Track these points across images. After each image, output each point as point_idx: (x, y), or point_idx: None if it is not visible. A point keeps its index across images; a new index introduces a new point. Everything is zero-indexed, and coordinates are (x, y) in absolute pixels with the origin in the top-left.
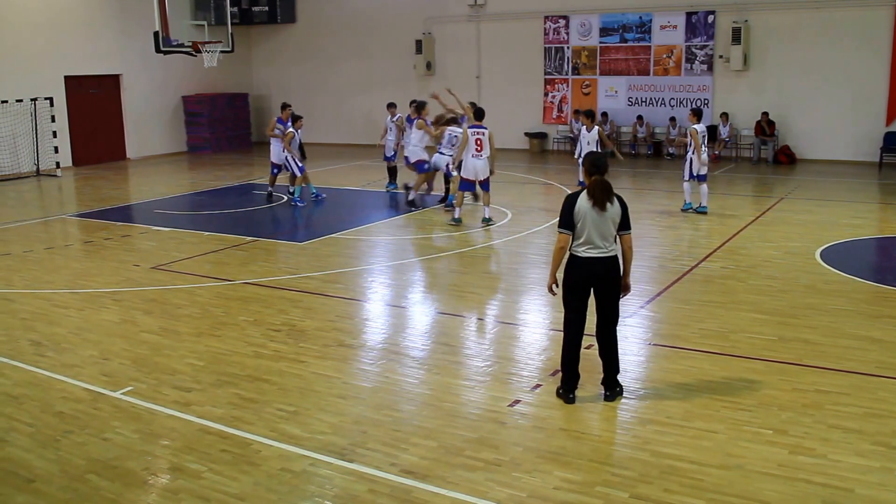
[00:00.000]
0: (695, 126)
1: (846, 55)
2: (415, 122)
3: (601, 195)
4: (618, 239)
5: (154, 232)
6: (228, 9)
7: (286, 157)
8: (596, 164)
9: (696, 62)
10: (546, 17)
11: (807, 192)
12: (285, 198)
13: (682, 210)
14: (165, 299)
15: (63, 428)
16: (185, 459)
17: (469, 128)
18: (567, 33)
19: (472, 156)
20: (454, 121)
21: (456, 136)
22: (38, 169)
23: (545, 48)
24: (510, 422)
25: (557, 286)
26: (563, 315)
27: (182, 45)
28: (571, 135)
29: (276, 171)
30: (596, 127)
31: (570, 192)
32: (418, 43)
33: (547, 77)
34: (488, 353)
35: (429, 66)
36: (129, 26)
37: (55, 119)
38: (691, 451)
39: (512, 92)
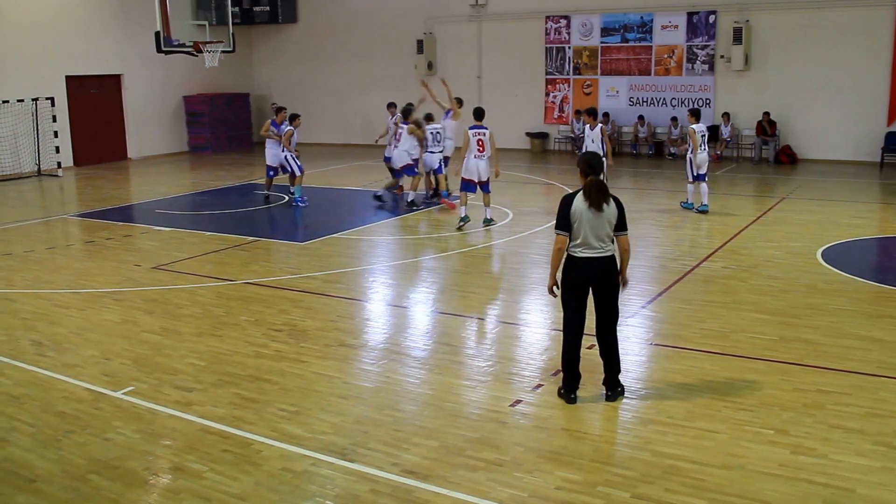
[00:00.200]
0: (692, 126)
1: (847, 55)
2: (406, 126)
3: (597, 195)
4: (615, 239)
5: (155, 232)
6: (229, 9)
7: (286, 157)
8: (591, 165)
9: (698, 62)
10: (547, 17)
11: (808, 191)
12: (286, 198)
13: (681, 205)
14: (167, 299)
15: (64, 428)
16: (187, 459)
17: (469, 128)
18: (568, 33)
19: (475, 156)
20: (430, 117)
21: (438, 132)
22: (39, 169)
23: (546, 48)
24: (511, 422)
25: (558, 287)
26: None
27: (183, 45)
28: (573, 135)
29: (271, 173)
30: (599, 125)
31: (570, 191)
32: (419, 43)
33: (548, 77)
34: (489, 352)
35: (430, 66)
36: (130, 26)
37: (56, 119)
38: (692, 451)
39: (513, 92)
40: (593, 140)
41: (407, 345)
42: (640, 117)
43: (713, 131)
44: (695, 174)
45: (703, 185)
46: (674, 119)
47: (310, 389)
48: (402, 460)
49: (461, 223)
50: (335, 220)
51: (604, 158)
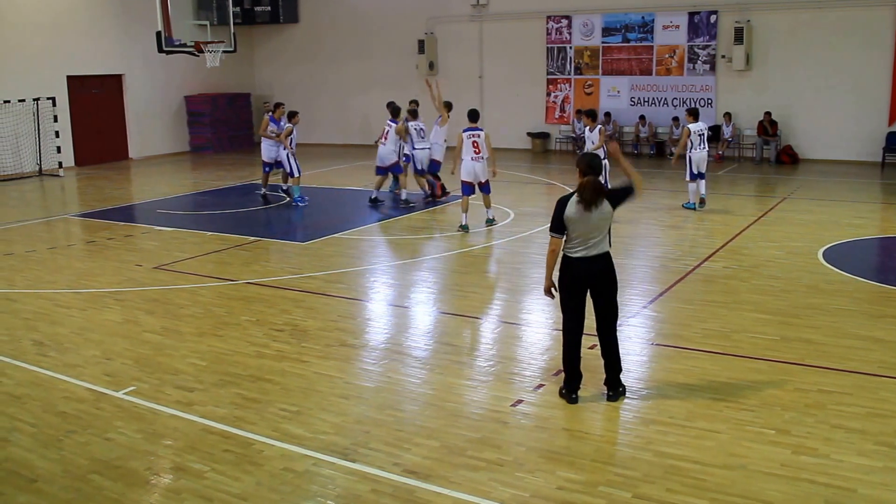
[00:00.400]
0: (689, 125)
1: (849, 55)
2: (395, 125)
3: (591, 196)
4: (610, 234)
5: (156, 232)
6: (231, 9)
7: (286, 155)
8: (590, 165)
9: (699, 62)
10: (548, 17)
11: (809, 191)
12: (287, 198)
13: (684, 206)
14: (168, 299)
15: (65, 428)
16: (188, 459)
17: (463, 130)
18: (569, 33)
19: (472, 158)
20: (413, 114)
21: (421, 129)
22: (40, 169)
23: (548, 48)
24: (513, 422)
25: (556, 288)
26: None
27: (184, 45)
28: (574, 135)
29: (267, 168)
30: (598, 126)
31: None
32: (421, 43)
33: (549, 77)
34: (491, 352)
35: (431, 66)
36: (131, 26)
37: (58, 119)
38: (694, 451)
39: (514, 92)
40: (593, 142)
41: (408, 345)
42: (642, 117)
43: (715, 131)
44: (694, 172)
45: (702, 182)
46: (675, 119)
47: (311, 389)
48: (404, 460)
49: (460, 229)
50: (336, 220)
51: (604, 161)
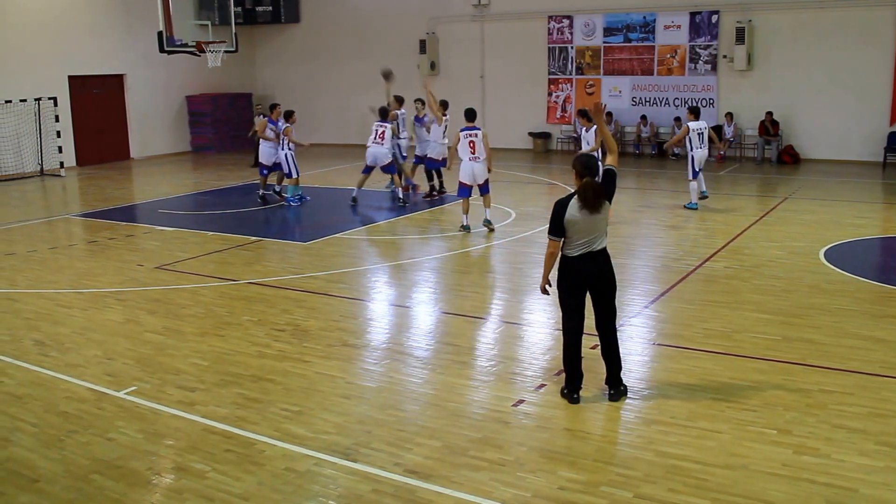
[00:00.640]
0: (689, 123)
1: (850, 55)
2: (390, 126)
3: (592, 198)
4: (607, 233)
5: (158, 232)
6: (232, 9)
7: (285, 156)
8: (587, 166)
9: (700, 62)
10: (550, 17)
11: (811, 191)
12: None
13: (686, 207)
14: (169, 299)
15: (67, 428)
16: (189, 459)
17: (461, 130)
18: (571, 33)
19: (469, 159)
20: (400, 101)
21: (403, 119)
22: (41, 169)
23: (549, 48)
24: (514, 422)
25: (550, 285)
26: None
27: (186, 45)
28: (575, 134)
29: (265, 171)
30: (594, 127)
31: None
32: (422, 43)
33: (551, 77)
34: (492, 352)
35: (433, 65)
36: (132, 26)
37: (59, 119)
38: (695, 451)
39: (516, 92)
40: (588, 142)
41: (409, 345)
42: (643, 117)
43: (716, 131)
44: (697, 170)
45: (700, 178)
46: (677, 119)
47: (312, 389)
48: (405, 460)
49: (462, 229)
50: (338, 220)
51: (599, 162)
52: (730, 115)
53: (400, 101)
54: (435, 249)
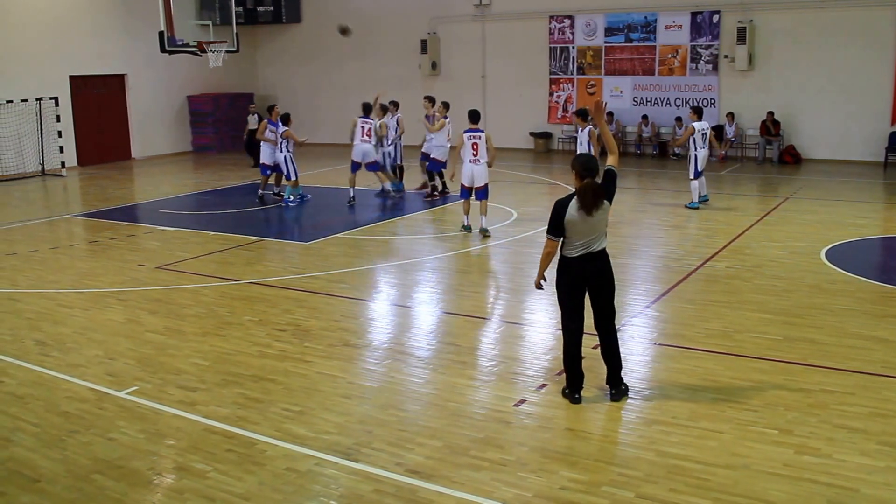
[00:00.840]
0: (693, 123)
1: (851, 55)
2: (378, 123)
3: (592, 200)
4: (606, 234)
5: (159, 232)
6: (233, 9)
7: (284, 158)
8: (587, 167)
9: (702, 62)
10: (551, 17)
11: (812, 191)
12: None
13: (686, 206)
14: (170, 299)
15: (68, 428)
16: (191, 459)
17: (464, 132)
18: (572, 33)
19: (470, 161)
20: (385, 109)
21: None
22: (43, 169)
23: (550, 48)
24: (516, 421)
25: (545, 280)
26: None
27: (187, 45)
28: (576, 134)
29: (267, 172)
30: (588, 127)
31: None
32: (423, 43)
33: (552, 77)
34: (493, 352)
35: (434, 65)
36: (134, 26)
37: (60, 119)
38: (697, 451)
39: (517, 92)
40: (582, 143)
41: (411, 345)
42: (644, 117)
43: (717, 131)
44: (699, 170)
45: (702, 178)
46: (678, 119)
47: (314, 389)
48: (406, 460)
49: (463, 230)
50: (338, 220)
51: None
52: (731, 115)
53: (384, 108)
54: (436, 249)
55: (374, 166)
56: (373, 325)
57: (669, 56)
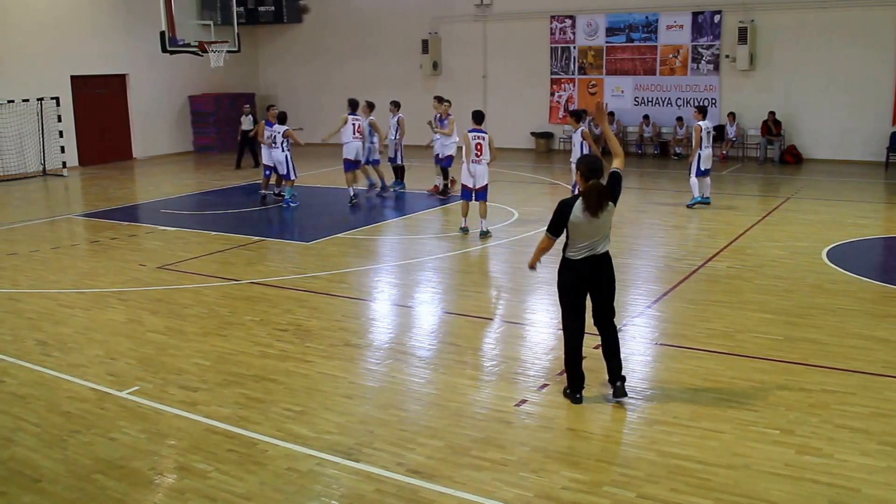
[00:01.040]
0: (699, 123)
1: (852, 55)
2: (369, 121)
3: (597, 201)
4: (609, 237)
5: (160, 232)
6: (234, 8)
7: (287, 157)
8: (592, 168)
9: (703, 62)
10: (552, 17)
11: (813, 191)
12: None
13: (688, 206)
14: (172, 299)
15: (69, 428)
16: (192, 459)
17: (469, 131)
18: (573, 33)
19: (472, 161)
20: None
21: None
22: (44, 169)
23: (551, 48)
24: (517, 421)
25: (540, 263)
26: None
27: (188, 45)
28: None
29: (268, 172)
30: (581, 127)
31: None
32: (424, 43)
33: (553, 77)
34: (495, 352)
35: (435, 65)
36: (135, 26)
37: (61, 119)
38: (698, 451)
39: (518, 91)
40: (575, 143)
41: (412, 344)
42: (646, 117)
43: (719, 131)
44: (702, 169)
45: (707, 180)
46: (679, 119)
47: (315, 389)
48: (408, 460)
49: (461, 231)
50: (340, 220)
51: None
52: (732, 115)
53: (371, 106)
54: (437, 249)
55: (355, 165)
56: (374, 325)
57: (671, 56)
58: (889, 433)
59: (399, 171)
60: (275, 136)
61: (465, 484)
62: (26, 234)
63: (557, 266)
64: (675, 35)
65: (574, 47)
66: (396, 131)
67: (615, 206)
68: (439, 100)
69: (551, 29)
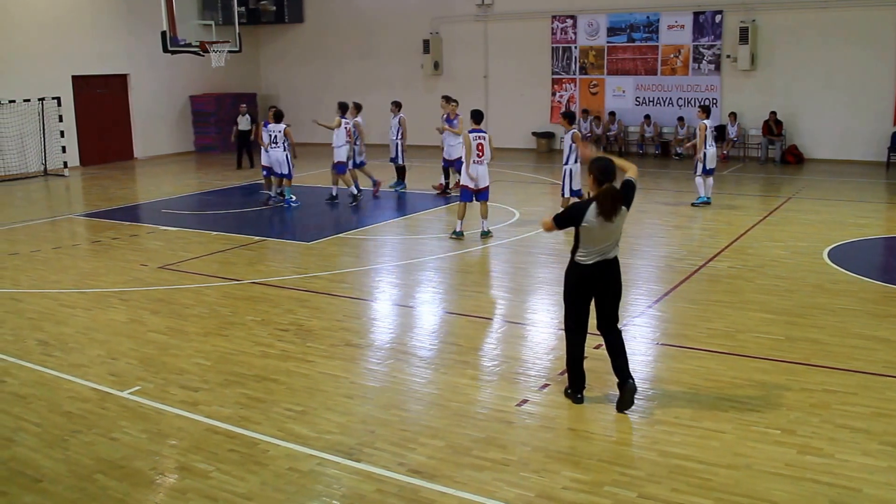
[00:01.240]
0: (705, 121)
1: (853, 55)
2: (356, 121)
3: (611, 205)
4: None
5: (161, 232)
6: (236, 8)
7: (285, 157)
8: (605, 171)
9: (704, 62)
10: (553, 17)
11: (814, 191)
12: (293, 198)
13: (693, 204)
14: (173, 299)
15: (70, 428)
16: (193, 459)
17: (469, 132)
18: (574, 33)
19: (475, 162)
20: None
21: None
22: (45, 169)
23: (553, 48)
24: (518, 421)
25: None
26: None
27: (189, 45)
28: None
29: (266, 173)
30: (573, 130)
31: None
32: (426, 43)
33: (554, 77)
34: (496, 352)
35: (436, 65)
36: (136, 26)
37: (63, 119)
38: (699, 451)
39: (519, 91)
40: (566, 145)
41: (413, 344)
42: (647, 117)
43: (720, 131)
44: (708, 168)
45: (710, 180)
46: (680, 119)
47: (316, 389)
48: (409, 460)
49: (454, 235)
50: (341, 220)
51: (575, 165)
52: (733, 115)
53: (358, 108)
54: (438, 249)
55: (342, 167)
56: (375, 325)
57: (672, 56)
58: (890, 433)
59: (400, 172)
60: (275, 136)
61: (467, 484)
62: (28, 233)
63: (565, 268)
64: (677, 35)
65: (575, 47)
66: (398, 132)
67: (628, 210)
68: (447, 99)
69: (552, 29)
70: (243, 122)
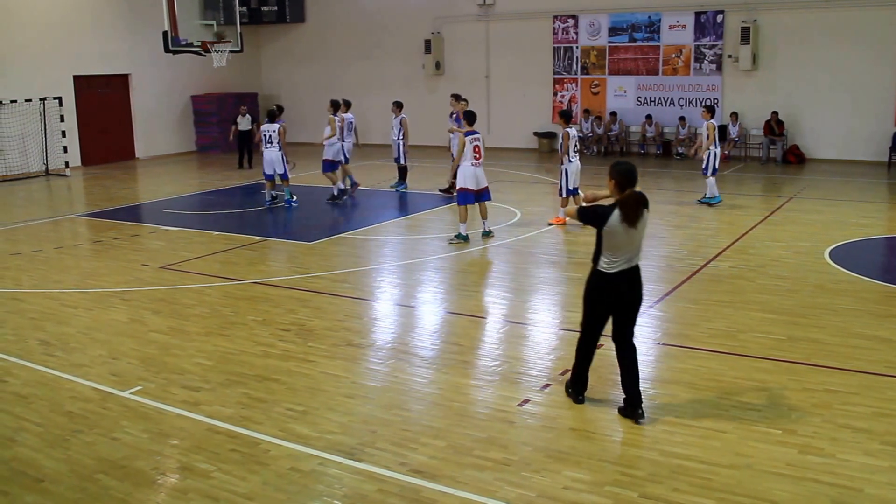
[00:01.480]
0: (711, 121)
1: (855, 55)
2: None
3: (635, 212)
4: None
5: (163, 231)
6: (237, 8)
7: (280, 157)
8: (626, 174)
9: (705, 62)
10: (555, 17)
11: (816, 191)
12: (295, 198)
13: (708, 203)
14: (174, 299)
15: (72, 427)
16: (194, 459)
17: (466, 134)
18: (576, 33)
19: (472, 164)
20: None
21: (350, 123)
22: (47, 168)
23: (554, 48)
24: (519, 421)
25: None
26: (572, 314)
27: (191, 45)
28: (580, 134)
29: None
30: (567, 129)
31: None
32: (427, 43)
33: (556, 77)
34: (497, 352)
35: (438, 65)
36: (137, 26)
37: (64, 119)
38: (700, 451)
39: (521, 91)
40: (561, 145)
41: (414, 344)
42: (648, 117)
43: (721, 131)
44: (716, 167)
45: (711, 181)
46: (681, 119)
47: (317, 389)
48: (410, 460)
49: (456, 240)
50: (342, 220)
51: (569, 165)
52: (735, 115)
53: (348, 104)
54: (439, 249)
55: (334, 166)
56: (376, 325)
57: (673, 56)
58: (892, 433)
59: (402, 172)
60: (269, 135)
61: (468, 484)
62: (29, 233)
63: (587, 276)
64: (678, 35)
65: (577, 47)
66: (399, 132)
67: (648, 211)
68: (456, 98)
69: (554, 29)
70: (244, 123)
